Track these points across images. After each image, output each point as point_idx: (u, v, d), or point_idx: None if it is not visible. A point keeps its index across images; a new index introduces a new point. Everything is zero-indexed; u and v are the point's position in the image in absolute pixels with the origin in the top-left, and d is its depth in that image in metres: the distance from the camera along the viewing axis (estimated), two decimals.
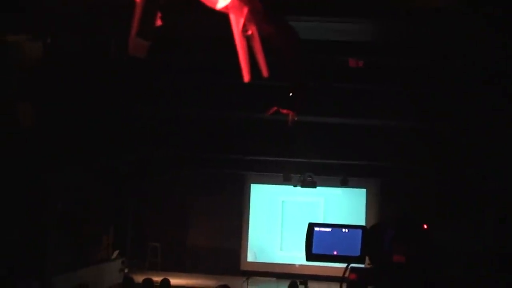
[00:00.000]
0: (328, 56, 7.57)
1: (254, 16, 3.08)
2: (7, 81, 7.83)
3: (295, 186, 15.40)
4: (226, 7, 2.90)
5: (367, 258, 3.33)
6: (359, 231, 3.30)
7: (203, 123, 11.09)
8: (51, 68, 7.81)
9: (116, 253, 14.11)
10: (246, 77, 3.17)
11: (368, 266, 3.41)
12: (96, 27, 6.76)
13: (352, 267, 3.31)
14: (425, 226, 3.22)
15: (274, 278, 15.52)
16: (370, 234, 3.31)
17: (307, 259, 3.40)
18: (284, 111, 6.68)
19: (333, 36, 6.55)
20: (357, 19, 5.73)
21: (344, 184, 14.85)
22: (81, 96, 8.48)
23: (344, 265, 3.42)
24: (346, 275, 3.31)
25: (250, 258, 16.25)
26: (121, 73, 8.14)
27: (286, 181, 14.86)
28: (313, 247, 3.28)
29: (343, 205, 16.16)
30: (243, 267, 16.06)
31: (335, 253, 3.29)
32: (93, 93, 8.61)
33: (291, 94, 5.55)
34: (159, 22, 2.72)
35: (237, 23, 3.05)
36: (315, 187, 14.81)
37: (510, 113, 8.48)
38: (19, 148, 8.71)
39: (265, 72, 3.33)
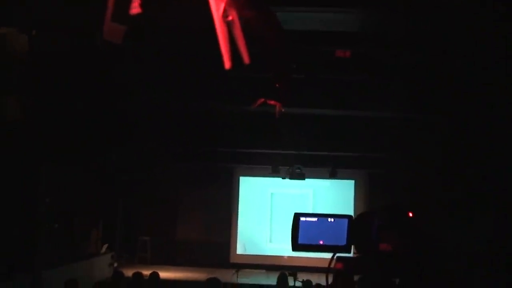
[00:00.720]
0: (316, 47, 7.56)
1: (235, 1, 3.03)
2: None
3: (283, 178, 15.43)
4: None
5: (353, 247, 3.34)
6: (345, 221, 3.30)
7: (191, 116, 11.07)
8: (37, 61, 7.75)
9: (105, 247, 14.09)
10: (227, 64, 3.12)
11: (355, 256, 3.42)
12: (82, 19, 6.71)
13: (338, 257, 3.32)
14: (411, 214, 3.23)
15: (264, 270, 15.56)
16: (356, 223, 3.32)
17: (293, 249, 3.40)
18: (271, 102, 6.68)
19: (320, 26, 6.54)
20: (344, 9, 5.73)
21: (332, 175, 14.90)
22: (69, 89, 8.42)
23: (330, 254, 3.42)
24: (332, 264, 3.31)
25: (239, 250, 16.28)
26: (108, 66, 8.09)
27: (274, 173, 14.88)
28: (299, 237, 3.28)
29: (331, 197, 16.21)
30: (233, 260, 16.09)
31: (321, 242, 3.30)
32: (80, 86, 8.55)
33: (277, 85, 5.54)
34: (138, 10, 2.69)
35: (217, 8, 3.00)
36: (304, 179, 14.85)
37: (506, 105, 8.52)
38: (6, 142, 8.64)
39: (246, 59, 3.29)
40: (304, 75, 8.03)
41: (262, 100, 6.58)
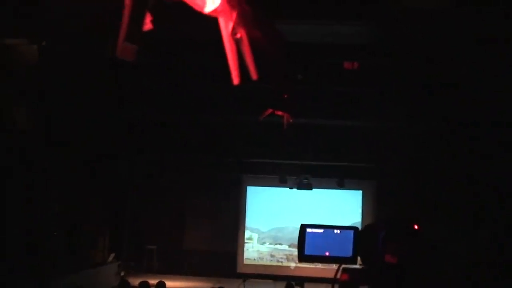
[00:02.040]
0: (324, 59, 7.61)
1: (243, 20, 3.11)
2: (4, 84, 7.86)
3: (291, 188, 15.43)
4: (215, 10, 2.92)
5: (359, 258, 3.36)
6: (351, 232, 3.32)
7: (199, 126, 11.13)
8: (47, 71, 7.84)
9: (112, 256, 14.11)
10: (236, 80, 3.20)
11: (360, 267, 3.43)
12: (91, 30, 6.80)
13: (344, 268, 3.33)
14: (416, 226, 3.24)
15: (271, 280, 15.53)
16: (362, 235, 3.34)
17: (299, 260, 3.42)
18: (279, 113, 6.74)
19: (328, 39, 6.59)
20: (352, 22, 5.77)
21: (340, 185, 14.90)
22: (78, 99, 8.51)
23: (336, 265, 3.43)
24: (338, 275, 3.33)
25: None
26: (118, 77, 8.17)
27: (282, 183, 14.89)
28: (305, 248, 3.30)
29: (339, 207, 16.18)
30: (240, 270, 16.07)
31: (327, 254, 3.31)
32: (89, 95, 8.64)
33: (285, 96, 5.59)
34: (150, 26, 2.74)
35: (226, 26, 3.08)
36: (311, 189, 14.85)
37: (504, 113, 8.54)
38: (16, 150, 8.73)
39: (254, 75, 3.36)
40: (312, 86, 8.08)
41: (270, 110, 6.64)
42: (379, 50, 7.12)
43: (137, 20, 2.49)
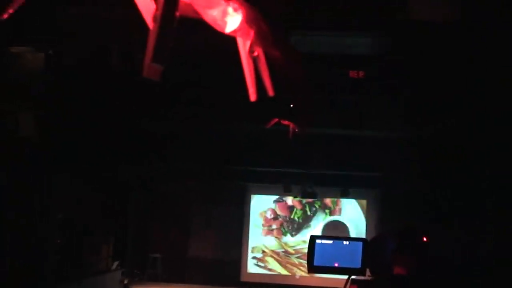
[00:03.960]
0: (329, 68, 7.63)
1: (260, 39, 3.18)
2: (10, 91, 7.88)
3: (295, 197, 15.42)
4: (234, 30, 3.00)
5: (368, 270, 3.35)
6: (360, 243, 3.32)
7: (204, 134, 11.13)
8: (53, 79, 7.86)
9: (116, 264, 14.09)
10: (253, 97, 3.30)
11: (369, 278, 3.42)
12: (97, 39, 6.82)
13: (353, 279, 3.33)
14: (425, 239, 3.24)
15: None
16: (371, 246, 3.33)
17: (309, 271, 3.42)
18: (285, 122, 6.74)
19: (334, 49, 6.61)
20: (357, 33, 5.80)
21: (344, 195, 14.88)
22: (83, 106, 8.52)
23: (345, 276, 3.43)
24: (347, 287, 3.32)
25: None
26: (123, 85, 8.19)
27: (286, 192, 14.88)
28: (314, 259, 3.30)
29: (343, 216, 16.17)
30: (244, 278, 16.02)
31: (336, 265, 3.31)
32: (94, 103, 8.65)
33: (292, 105, 5.60)
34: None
35: (244, 45, 3.18)
36: (316, 198, 14.83)
37: (506, 122, 8.54)
38: (20, 157, 8.74)
39: (270, 92, 3.46)
40: (317, 96, 8.08)
41: (276, 120, 6.65)
42: (386, 60, 7.13)
43: (165, 41, 2.51)
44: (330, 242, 3.32)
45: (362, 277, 3.35)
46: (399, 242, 3.19)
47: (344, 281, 3.40)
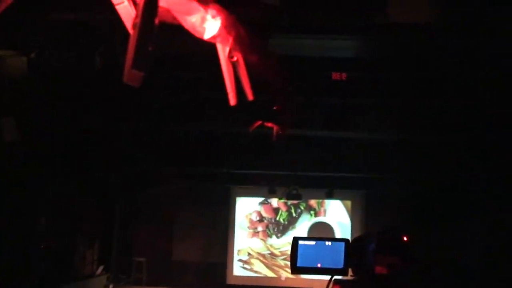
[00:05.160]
0: (313, 71, 7.68)
1: (239, 44, 3.22)
2: None
3: (280, 199, 15.46)
4: (213, 36, 3.04)
5: (350, 270, 3.40)
6: (342, 244, 3.36)
7: (188, 137, 11.13)
8: (36, 83, 7.82)
9: (101, 268, 14.02)
10: (233, 101, 3.34)
11: (351, 278, 3.47)
12: (80, 42, 6.81)
13: (335, 279, 3.37)
14: (405, 238, 3.30)
15: None
16: (353, 247, 3.38)
17: (292, 272, 3.46)
18: (269, 124, 6.77)
19: (317, 52, 6.66)
20: (340, 35, 5.86)
21: (329, 196, 14.97)
22: (67, 111, 8.49)
23: (328, 277, 3.47)
24: (330, 287, 3.37)
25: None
26: (107, 88, 8.17)
27: (271, 194, 14.93)
28: (297, 260, 3.34)
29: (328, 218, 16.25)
30: (229, 281, 16.03)
31: (319, 265, 3.35)
32: (78, 108, 8.63)
33: (275, 108, 5.64)
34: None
35: (223, 50, 3.22)
36: (301, 200, 14.90)
37: (491, 122, 8.66)
38: (3, 162, 8.67)
39: (250, 96, 3.51)
40: (301, 97, 8.13)
41: (260, 122, 6.68)
42: (369, 63, 7.21)
43: (144, 48, 2.54)
44: (313, 243, 3.35)
45: (344, 277, 3.40)
46: (380, 242, 3.25)
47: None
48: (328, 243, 3.35)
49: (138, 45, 2.52)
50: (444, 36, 6.00)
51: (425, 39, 6.12)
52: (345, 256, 3.30)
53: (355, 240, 3.57)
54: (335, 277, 3.34)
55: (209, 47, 3.23)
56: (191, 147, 11.29)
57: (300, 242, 3.33)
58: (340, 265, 3.31)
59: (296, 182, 13.90)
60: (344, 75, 8.07)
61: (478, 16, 5.59)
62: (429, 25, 5.65)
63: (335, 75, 8.06)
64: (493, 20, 5.61)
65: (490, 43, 6.16)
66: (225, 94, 3.86)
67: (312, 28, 5.76)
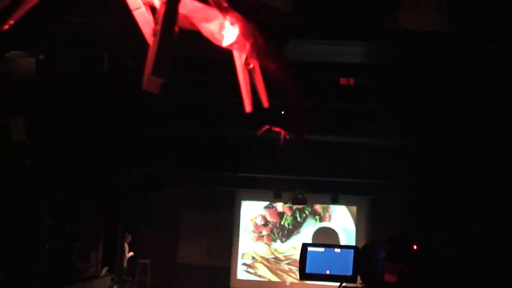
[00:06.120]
0: (320, 76, 7.69)
1: (256, 51, 3.24)
2: (0, 96, 7.85)
3: (285, 203, 15.45)
4: (231, 43, 3.06)
5: (359, 277, 3.39)
6: (351, 251, 3.36)
7: (195, 140, 11.13)
8: (44, 84, 7.84)
9: (105, 270, 14.02)
10: (248, 108, 3.36)
11: (360, 286, 3.46)
12: (89, 43, 6.83)
13: (344, 287, 3.37)
14: (415, 247, 3.29)
15: None
16: (362, 254, 3.37)
17: (301, 279, 3.46)
18: (276, 129, 6.78)
19: (325, 58, 6.66)
20: (348, 41, 5.85)
21: (334, 201, 14.94)
22: (75, 112, 8.51)
23: (336, 284, 3.47)
24: None
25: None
26: (114, 91, 8.18)
27: (276, 198, 14.91)
28: (306, 267, 3.33)
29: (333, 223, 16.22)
30: (233, 285, 16.01)
31: (327, 272, 3.35)
32: (86, 109, 8.64)
33: (283, 113, 5.64)
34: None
35: (240, 57, 3.23)
36: (306, 204, 14.89)
37: (498, 128, 8.65)
38: (10, 163, 8.69)
39: (265, 103, 3.53)
40: (308, 103, 8.13)
41: (267, 126, 6.69)
42: (377, 68, 7.20)
43: (165, 55, 2.55)
44: (322, 249, 3.36)
45: (353, 285, 3.39)
46: (390, 250, 3.23)
47: None
48: (337, 250, 3.35)
49: (159, 52, 2.53)
50: (452, 43, 6.00)
51: (433, 45, 6.11)
52: (354, 263, 3.30)
53: (364, 247, 3.56)
54: (344, 284, 3.34)
55: (221, 51, 3.24)
56: (197, 150, 11.29)
57: (309, 248, 3.34)
58: (349, 272, 3.31)
59: (302, 186, 13.88)
60: (352, 81, 8.07)
61: (486, 24, 5.58)
62: (438, 32, 5.64)
63: (343, 81, 8.06)
64: (501, 28, 5.60)
65: (497, 50, 6.15)
66: (233, 98, 3.86)
67: (321, 33, 5.76)
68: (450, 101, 8.31)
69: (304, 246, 3.33)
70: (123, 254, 14.41)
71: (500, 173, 10.08)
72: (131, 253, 14.49)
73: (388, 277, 3.21)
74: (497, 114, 8.30)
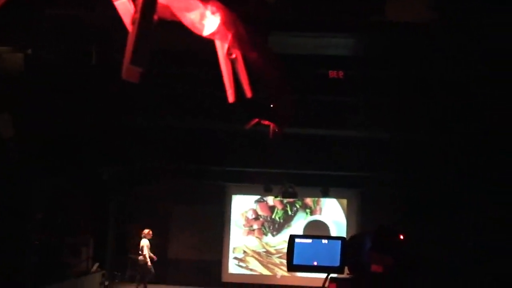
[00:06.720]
0: (309, 69, 7.68)
1: (238, 41, 3.22)
2: None
3: (276, 197, 15.47)
4: (212, 33, 3.04)
5: (346, 268, 3.40)
6: (339, 242, 3.37)
7: (184, 134, 11.10)
8: (32, 79, 7.79)
9: (96, 265, 13.99)
10: (231, 98, 3.34)
11: (348, 276, 3.47)
12: (78, 38, 6.79)
13: (331, 277, 3.38)
14: (401, 237, 3.30)
15: None
16: (349, 245, 3.39)
17: (288, 270, 3.46)
18: (266, 122, 6.76)
19: (314, 50, 6.66)
20: (337, 34, 5.85)
21: (325, 194, 14.97)
22: (63, 107, 8.47)
23: (325, 275, 3.48)
24: (326, 285, 3.37)
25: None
26: (102, 84, 8.15)
27: (267, 191, 14.92)
28: (293, 258, 3.34)
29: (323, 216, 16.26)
30: (225, 279, 16.03)
31: (315, 263, 3.35)
32: (74, 104, 8.60)
33: (272, 106, 5.63)
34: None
35: (222, 47, 3.21)
36: (297, 198, 14.91)
37: (485, 121, 8.70)
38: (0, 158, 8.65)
39: (248, 93, 3.51)
40: (297, 96, 8.12)
41: (257, 120, 6.67)
42: (365, 61, 7.21)
43: (144, 44, 2.53)
44: (309, 241, 3.36)
45: (340, 275, 3.40)
46: (376, 240, 3.25)
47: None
48: (324, 241, 3.36)
49: (137, 41, 2.52)
50: (440, 35, 6.02)
51: (421, 37, 6.13)
52: (341, 254, 3.31)
53: (352, 238, 3.57)
54: (331, 275, 3.35)
55: (207, 44, 3.22)
56: (186, 144, 11.26)
57: (297, 240, 3.34)
58: (337, 263, 3.32)
59: (292, 180, 13.90)
60: (341, 73, 8.07)
61: (473, 15, 5.61)
62: (426, 23, 5.66)
63: (332, 73, 8.05)
64: (488, 19, 5.62)
65: (485, 42, 6.18)
66: (222, 91, 3.85)
67: (309, 26, 5.76)
68: (440, 94, 8.35)
69: (292, 238, 3.33)
70: (142, 251, 14.14)
71: (490, 167, 10.15)
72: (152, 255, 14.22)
73: (375, 267, 3.22)
74: (482, 108, 8.36)
